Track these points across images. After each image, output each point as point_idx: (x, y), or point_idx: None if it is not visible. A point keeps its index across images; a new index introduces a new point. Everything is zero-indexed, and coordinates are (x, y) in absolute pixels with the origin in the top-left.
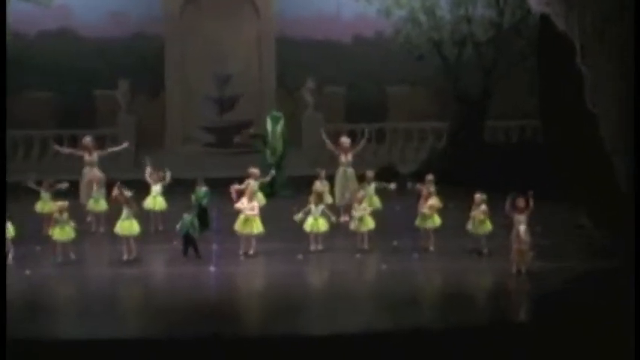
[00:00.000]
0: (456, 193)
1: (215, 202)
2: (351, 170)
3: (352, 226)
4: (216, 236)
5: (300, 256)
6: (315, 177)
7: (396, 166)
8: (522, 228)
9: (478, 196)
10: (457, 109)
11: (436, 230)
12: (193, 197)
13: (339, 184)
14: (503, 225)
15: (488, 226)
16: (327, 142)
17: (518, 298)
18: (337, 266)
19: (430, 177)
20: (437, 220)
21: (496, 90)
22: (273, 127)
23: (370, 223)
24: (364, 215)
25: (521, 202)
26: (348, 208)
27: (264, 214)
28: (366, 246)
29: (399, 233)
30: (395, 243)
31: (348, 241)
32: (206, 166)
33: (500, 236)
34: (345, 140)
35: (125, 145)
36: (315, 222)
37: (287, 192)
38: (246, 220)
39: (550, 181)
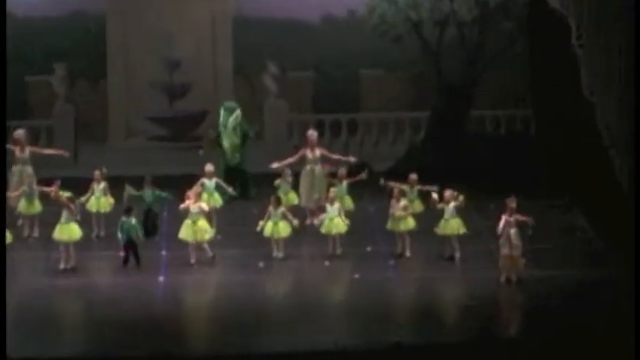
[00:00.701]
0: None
1: (165, 203)
2: (319, 168)
3: (323, 229)
4: (166, 242)
5: (261, 264)
6: (279, 174)
7: (369, 163)
8: (513, 231)
9: (448, 193)
10: (438, 97)
11: (411, 233)
12: (126, 194)
13: (305, 184)
14: (489, 226)
15: (456, 227)
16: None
17: (508, 310)
18: (303, 275)
19: (414, 176)
20: (410, 223)
21: (482, 76)
22: (225, 120)
23: (342, 226)
24: (336, 217)
25: (512, 202)
26: (314, 211)
27: (221, 216)
28: (337, 251)
29: (373, 237)
30: (369, 248)
31: (316, 246)
32: (155, 162)
33: (484, 239)
34: (311, 133)
35: (65, 154)
36: (275, 226)
37: (250, 193)
38: (193, 224)
39: (543, 178)
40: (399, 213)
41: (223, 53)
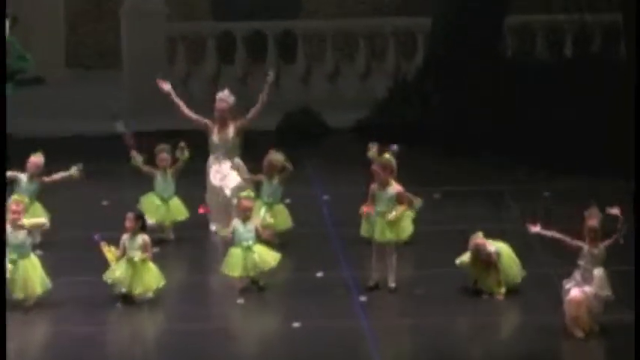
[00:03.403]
0: (444, 171)
1: None
2: (235, 164)
3: (227, 268)
4: None
5: (118, 305)
6: (151, 156)
7: (319, 114)
8: (599, 272)
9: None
10: None
11: (402, 246)
12: None
13: (210, 188)
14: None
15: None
16: (188, 114)
17: None
18: (196, 324)
19: (395, 148)
20: (406, 228)
21: None
22: None
23: (269, 259)
24: (250, 246)
25: (593, 219)
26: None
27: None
28: (260, 281)
29: (327, 254)
30: (319, 274)
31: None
32: None
33: (536, 256)
34: (223, 98)
35: None
36: (129, 267)
37: None
38: None
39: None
40: (392, 214)
41: None
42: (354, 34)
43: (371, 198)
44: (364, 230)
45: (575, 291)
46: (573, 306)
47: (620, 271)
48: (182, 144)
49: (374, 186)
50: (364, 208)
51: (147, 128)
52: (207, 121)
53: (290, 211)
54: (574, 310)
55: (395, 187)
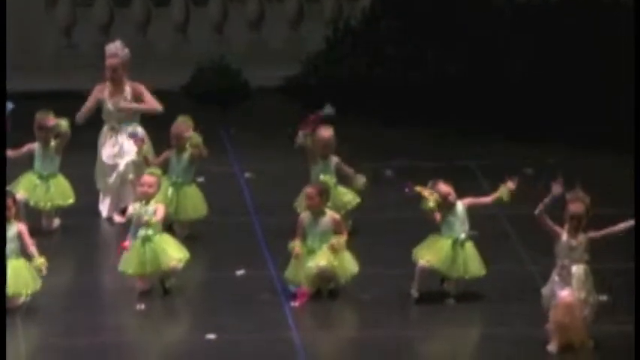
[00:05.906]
0: (397, 142)
1: None
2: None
3: (125, 266)
4: None
5: None
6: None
7: (238, 70)
8: (577, 270)
9: (444, 189)
10: None
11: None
12: None
13: (100, 168)
14: (518, 216)
15: (472, 261)
16: None
17: None
18: (80, 340)
19: (327, 134)
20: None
21: None
22: None
23: (176, 249)
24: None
25: (577, 206)
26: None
27: None
28: (166, 281)
29: (249, 247)
30: (240, 272)
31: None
32: None
33: (511, 248)
34: (114, 51)
35: None
36: None
37: None
38: None
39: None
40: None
41: None
42: None
43: (300, 231)
44: (290, 274)
45: (565, 292)
46: (562, 310)
47: (617, 270)
48: (51, 122)
49: (305, 215)
50: (295, 249)
51: (22, 88)
52: (95, 90)
53: (203, 194)
54: (561, 316)
55: (330, 216)
